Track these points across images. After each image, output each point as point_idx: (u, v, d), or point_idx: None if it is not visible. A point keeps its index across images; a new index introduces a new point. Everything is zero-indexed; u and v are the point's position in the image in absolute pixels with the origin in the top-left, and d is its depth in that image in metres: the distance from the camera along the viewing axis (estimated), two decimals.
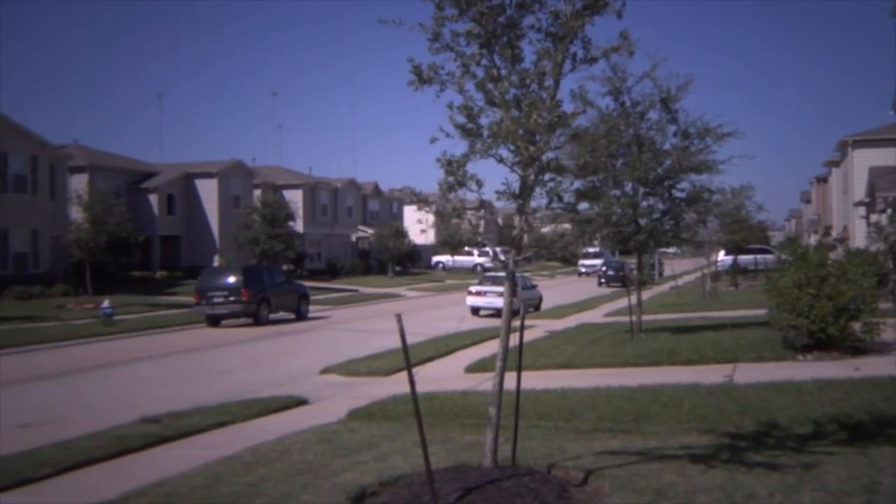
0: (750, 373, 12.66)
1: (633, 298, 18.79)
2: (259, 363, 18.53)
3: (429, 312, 33.54)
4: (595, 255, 69.99)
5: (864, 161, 36.91)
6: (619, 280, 52.91)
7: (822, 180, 53.67)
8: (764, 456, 7.48)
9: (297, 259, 47.46)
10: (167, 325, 27.33)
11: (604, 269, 54.70)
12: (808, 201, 66.75)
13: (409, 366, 5.87)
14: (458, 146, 6.31)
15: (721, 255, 43.39)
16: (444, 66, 6.29)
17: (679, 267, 54.05)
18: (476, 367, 15.20)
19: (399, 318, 5.68)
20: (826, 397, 10.04)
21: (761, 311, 24.07)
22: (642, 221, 16.87)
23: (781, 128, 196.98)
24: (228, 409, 11.60)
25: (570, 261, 18.93)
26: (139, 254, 46.19)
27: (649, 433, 8.99)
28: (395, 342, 21.08)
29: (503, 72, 6.13)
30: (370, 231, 64.70)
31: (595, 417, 9.72)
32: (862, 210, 34.92)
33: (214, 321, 27.37)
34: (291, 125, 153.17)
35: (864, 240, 29.30)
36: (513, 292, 6.33)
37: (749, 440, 8.29)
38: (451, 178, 5.99)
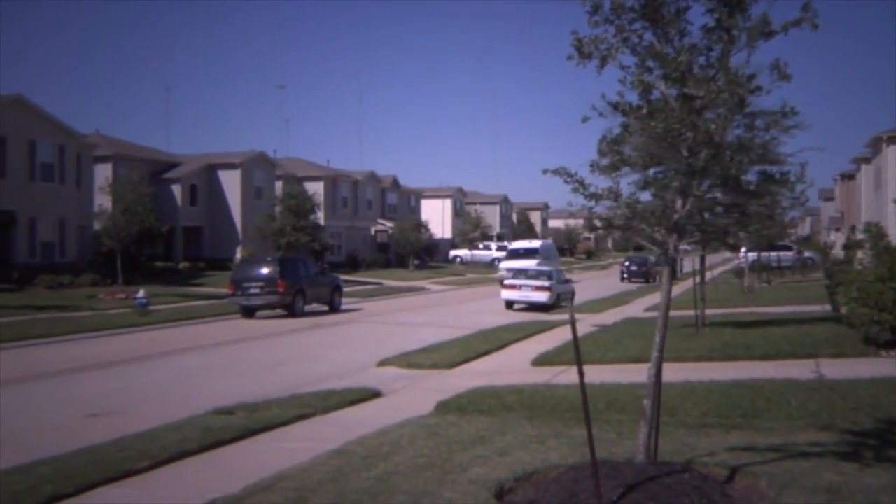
0: (835, 369, 12.32)
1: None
2: (309, 355, 18.25)
3: (460, 306, 33.25)
4: (526, 254, 45.10)
5: None
6: (642, 276, 52.48)
7: (849, 177, 53.06)
8: None
9: (318, 252, 47.06)
10: (201, 315, 27.05)
11: (626, 264, 54.07)
12: (830, 199, 66.04)
13: (578, 360, 5.56)
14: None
15: (742, 252, 42.87)
16: (603, 40, 5.96)
17: (693, 264, 53.32)
18: (542, 361, 14.92)
19: (572, 315, 5.56)
20: None
21: (810, 307, 23.84)
22: (707, 216, 16.42)
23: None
24: (305, 400, 11.32)
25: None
26: (161, 244, 45.92)
27: (763, 429, 8.70)
28: (438, 336, 20.75)
29: (669, 47, 5.78)
30: (389, 224, 64.33)
31: (699, 412, 9.44)
32: None
33: (249, 312, 27.08)
34: (298, 118, 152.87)
35: None
36: (671, 279, 5.99)
37: (877, 438, 7.95)
38: (616, 158, 5.65)
